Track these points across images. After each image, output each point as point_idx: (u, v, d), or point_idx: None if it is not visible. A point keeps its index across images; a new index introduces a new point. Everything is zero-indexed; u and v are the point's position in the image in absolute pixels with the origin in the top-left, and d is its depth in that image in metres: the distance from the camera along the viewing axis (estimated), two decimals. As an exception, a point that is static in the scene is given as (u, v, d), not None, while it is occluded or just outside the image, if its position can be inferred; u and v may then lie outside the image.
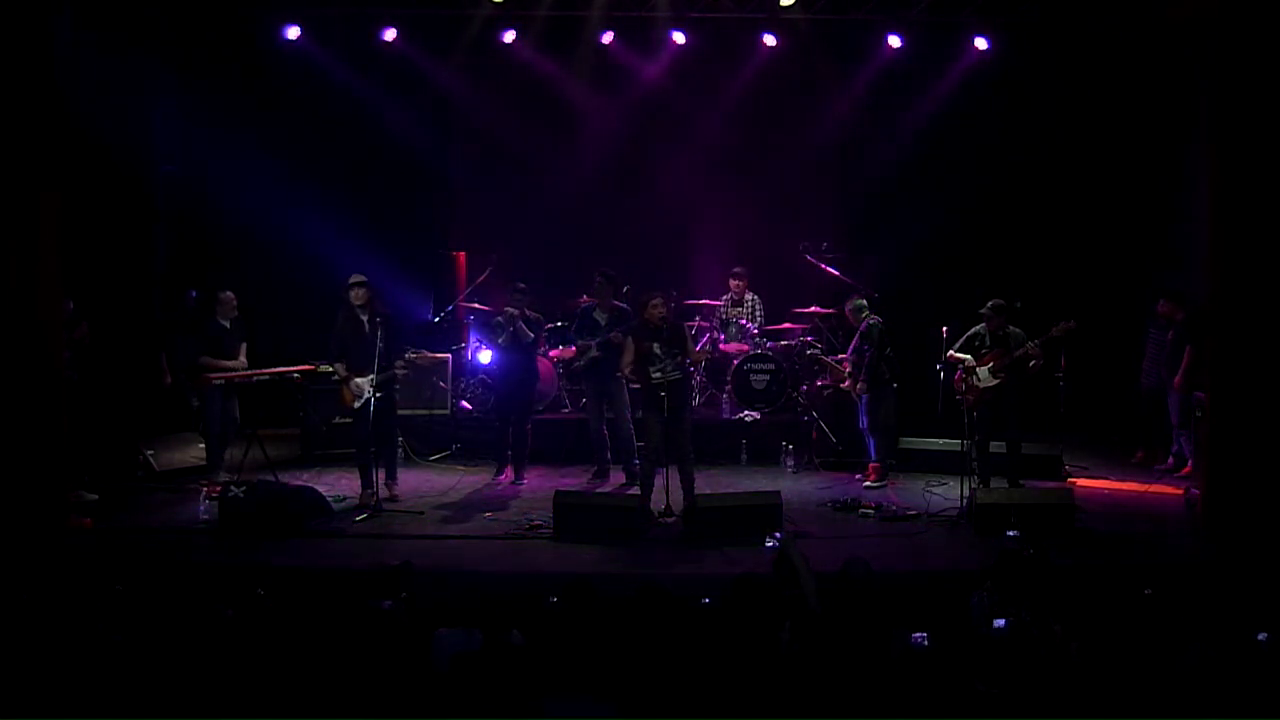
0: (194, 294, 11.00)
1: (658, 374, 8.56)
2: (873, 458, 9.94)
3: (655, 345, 8.61)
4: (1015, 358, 8.98)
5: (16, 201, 8.07)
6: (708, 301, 11.86)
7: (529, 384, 10.27)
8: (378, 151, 12.35)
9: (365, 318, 9.03)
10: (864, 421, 9.99)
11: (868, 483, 9.81)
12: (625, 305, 10.14)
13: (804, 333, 11.59)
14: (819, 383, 11.07)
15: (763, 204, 12.46)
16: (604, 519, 8.37)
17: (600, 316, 10.08)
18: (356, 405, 9.00)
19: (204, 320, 9.98)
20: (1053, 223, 12.12)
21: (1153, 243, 11.47)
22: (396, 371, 9.11)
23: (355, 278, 9.12)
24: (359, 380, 8.95)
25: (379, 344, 8.89)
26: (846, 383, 10.09)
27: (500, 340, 10.04)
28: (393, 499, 9.15)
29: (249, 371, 9.93)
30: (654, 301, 8.72)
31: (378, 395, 8.94)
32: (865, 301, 10.12)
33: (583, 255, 12.22)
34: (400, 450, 10.91)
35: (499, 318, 10.10)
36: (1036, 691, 4.68)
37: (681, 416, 8.67)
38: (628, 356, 8.81)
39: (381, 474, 9.22)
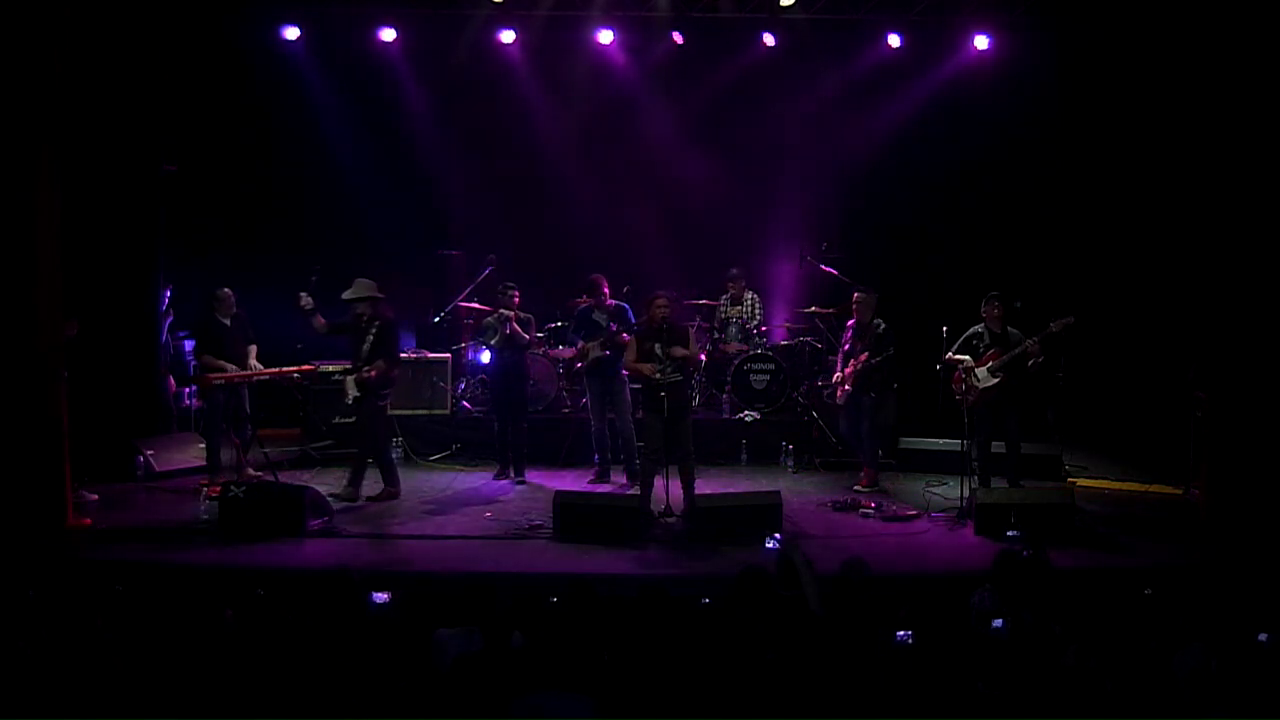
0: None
1: (658, 375, 8.56)
2: (867, 461, 9.85)
3: (656, 346, 8.62)
4: (1014, 355, 8.97)
5: (16, 201, 8.07)
6: (706, 301, 11.86)
7: (521, 383, 10.30)
8: (376, 151, 12.35)
9: (363, 319, 9.17)
10: (862, 425, 9.79)
11: (858, 487, 9.69)
12: (624, 303, 10.16)
13: (803, 332, 11.59)
14: (819, 383, 11.07)
15: (762, 203, 12.47)
16: (604, 519, 8.37)
17: (599, 316, 10.09)
18: (349, 401, 9.23)
19: (205, 319, 9.98)
20: (1053, 222, 12.12)
21: (1154, 242, 11.46)
22: (362, 374, 9.11)
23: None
24: (349, 378, 9.16)
25: (364, 347, 9.10)
26: (847, 386, 9.78)
27: (494, 341, 10.05)
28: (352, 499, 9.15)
29: (248, 372, 9.91)
30: (658, 301, 8.73)
31: (357, 394, 9.11)
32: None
33: (582, 254, 12.24)
34: (400, 450, 10.96)
35: (490, 318, 10.13)
36: (1036, 692, 4.67)
37: (682, 417, 8.67)
38: (629, 356, 8.82)
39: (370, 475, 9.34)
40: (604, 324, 9.99)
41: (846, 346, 9.92)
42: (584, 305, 10.45)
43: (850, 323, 9.95)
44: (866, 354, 9.60)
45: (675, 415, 8.57)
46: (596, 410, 10.13)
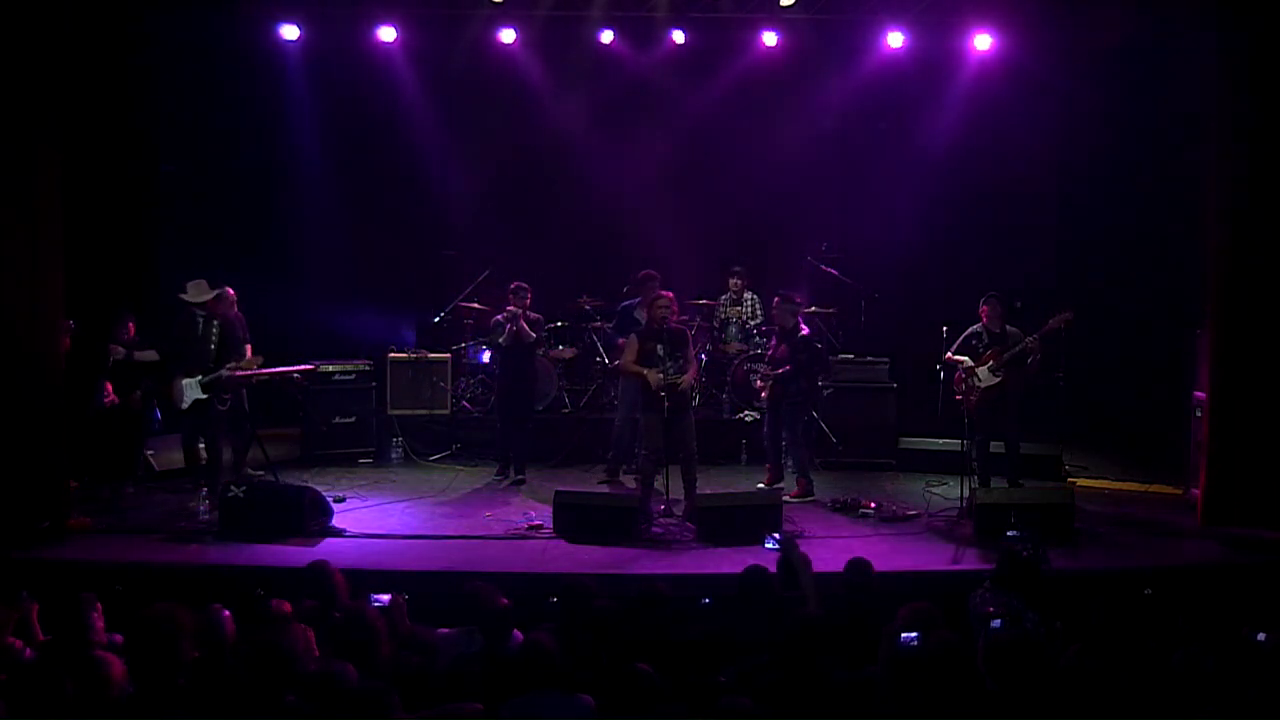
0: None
1: (659, 374, 8.56)
2: (798, 470, 9.62)
3: (659, 346, 8.61)
4: (1014, 353, 8.97)
5: (16, 201, 8.07)
6: (706, 301, 11.85)
7: (529, 383, 10.28)
8: (376, 150, 12.34)
9: (201, 319, 9.02)
10: (782, 435, 9.60)
11: (787, 498, 9.17)
12: None
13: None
14: (820, 382, 11.05)
15: (761, 202, 12.47)
16: (604, 519, 8.36)
17: (641, 315, 9.99)
18: (184, 406, 8.96)
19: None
20: (1055, 222, 12.12)
21: (1154, 241, 11.46)
22: (223, 372, 8.95)
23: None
24: (186, 380, 8.92)
25: (211, 347, 8.97)
26: (764, 394, 9.64)
27: (501, 339, 10.04)
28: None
29: (249, 371, 9.87)
30: (659, 301, 8.71)
31: (201, 398, 8.93)
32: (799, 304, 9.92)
33: (580, 254, 12.26)
34: (400, 450, 10.96)
35: (499, 317, 10.11)
36: (1036, 691, 4.67)
37: (683, 417, 8.67)
38: (629, 356, 8.79)
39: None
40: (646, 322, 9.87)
41: (772, 352, 9.83)
42: (627, 303, 10.39)
43: (775, 329, 9.91)
44: (782, 365, 9.46)
45: (676, 415, 8.57)
46: (625, 407, 9.95)
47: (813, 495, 9.46)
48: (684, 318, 9.07)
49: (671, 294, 8.87)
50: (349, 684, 4.40)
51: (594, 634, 5.31)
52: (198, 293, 9.03)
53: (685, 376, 8.61)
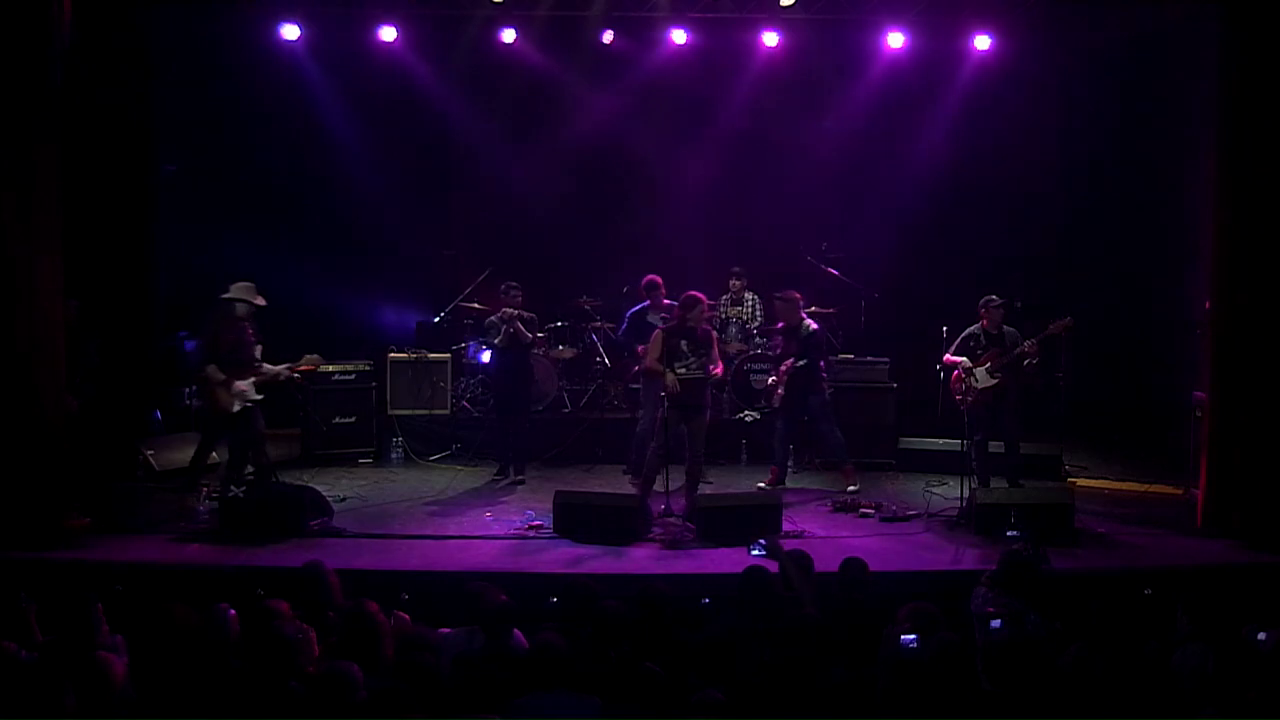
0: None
1: (682, 369, 8.56)
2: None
3: (683, 343, 8.64)
4: (1012, 356, 8.99)
5: (16, 204, 8.06)
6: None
7: (526, 383, 10.29)
8: (376, 150, 12.34)
9: (243, 322, 9.05)
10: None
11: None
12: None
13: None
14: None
15: (761, 203, 12.46)
16: (604, 518, 8.35)
17: (654, 319, 10.02)
18: (236, 409, 8.94)
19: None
20: (1055, 221, 12.13)
21: (1154, 241, 11.46)
22: (282, 371, 9.08)
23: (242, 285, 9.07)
24: (242, 384, 8.93)
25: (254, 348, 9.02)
26: (780, 390, 9.72)
27: (497, 340, 10.04)
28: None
29: (250, 372, 9.87)
30: (698, 309, 8.71)
31: (259, 398, 9.02)
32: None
33: (580, 254, 12.25)
34: (400, 450, 10.97)
35: (494, 318, 10.11)
36: (1036, 691, 4.68)
37: (698, 415, 8.69)
38: (653, 354, 8.76)
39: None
40: (658, 326, 9.90)
41: (778, 350, 9.90)
42: (636, 308, 10.39)
43: (779, 326, 9.95)
44: (798, 359, 9.52)
45: (691, 411, 8.60)
46: (649, 410, 9.86)
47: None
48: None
49: (706, 298, 8.90)
50: (356, 684, 4.39)
51: (599, 634, 5.31)
52: (248, 294, 9.01)
53: (712, 369, 8.67)
